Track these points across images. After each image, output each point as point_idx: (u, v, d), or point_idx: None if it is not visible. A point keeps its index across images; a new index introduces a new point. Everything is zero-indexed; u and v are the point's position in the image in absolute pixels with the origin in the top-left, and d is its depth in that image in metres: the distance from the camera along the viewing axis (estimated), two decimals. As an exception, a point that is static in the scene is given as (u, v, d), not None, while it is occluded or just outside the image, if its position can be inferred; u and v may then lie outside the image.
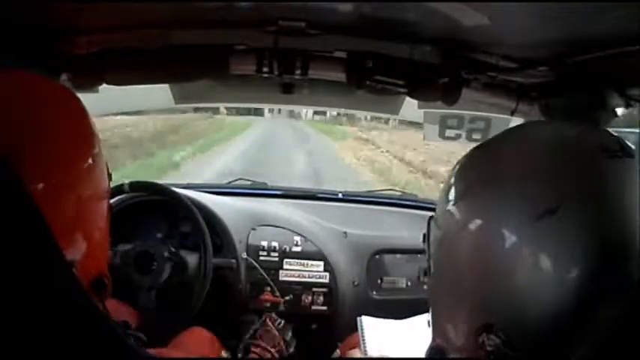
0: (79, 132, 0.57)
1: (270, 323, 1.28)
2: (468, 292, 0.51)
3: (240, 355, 1.16)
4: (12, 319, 0.33)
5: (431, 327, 0.60)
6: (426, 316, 0.61)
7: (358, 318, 1.16)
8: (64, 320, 0.35)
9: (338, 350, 1.17)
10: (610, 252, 0.44)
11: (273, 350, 1.23)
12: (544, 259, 0.45)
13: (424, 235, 0.60)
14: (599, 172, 0.47)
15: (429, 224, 0.59)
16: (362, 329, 1.14)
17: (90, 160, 0.56)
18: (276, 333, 1.27)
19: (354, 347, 1.13)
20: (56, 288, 0.35)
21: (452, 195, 0.54)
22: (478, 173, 0.53)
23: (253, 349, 1.20)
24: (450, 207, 0.53)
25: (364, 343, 1.12)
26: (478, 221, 0.49)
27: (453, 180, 0.55)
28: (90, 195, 0.57)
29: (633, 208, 0.45)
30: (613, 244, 0.44)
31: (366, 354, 1.10)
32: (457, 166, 0.56)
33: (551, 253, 0.45)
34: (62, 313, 0.35)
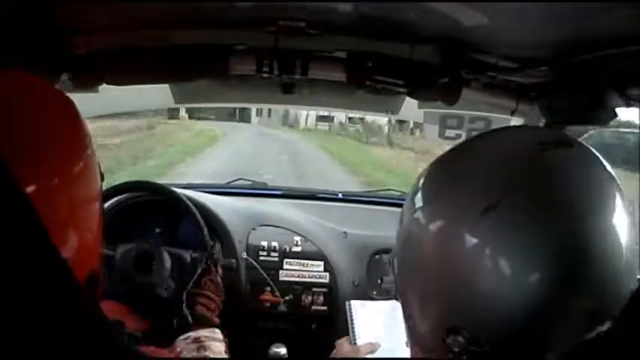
0: (72, 133, 0.57)
1: (213, 269, 1.17)
2: (432, 294, 0.52)
3: (185, 307, 1.06)
4: (4, 316, 0.33)
5: (405, 328, 0.60)
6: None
7: (347, 302, 1.14)
8: (56, 318, 0.35)
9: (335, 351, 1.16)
10: (562, 241, 0.44)
11: (217, 300, 1.13)
12: (495, 255, 0.45)
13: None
14: (535, 165, 0.48)
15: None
16: (351, 315, 1.12)
17: (82, 162, 0.56)
18: (220, 281, 1.17)
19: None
20: (50, 287, 0.35)
21: (415, 198, 0.55)
22: (438, 177, 0.55)
23: (200, 299, 1.10)
24: (414, 210, 0.55)
25: (353, 330, 1.10)
26: (436, 223, 0.51)
27: (418, 184, 0.56)
28: (82, 196, 0.56)
29: (581, 196, 0.46)
30: (563, 233, 0.44)
31: (355, 342, 1.09)
32: (424, 173, 0.57)
33: (500, 248, 0.45)
34: (55, 310, 0.35)
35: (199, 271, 1.15)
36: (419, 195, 0.55)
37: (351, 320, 1.12)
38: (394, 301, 1.18)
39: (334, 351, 1.13)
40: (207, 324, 1.05)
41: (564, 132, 0.53)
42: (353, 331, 1.10)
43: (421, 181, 0.56)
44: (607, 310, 0.43)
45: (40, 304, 0.34)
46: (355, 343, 1.09)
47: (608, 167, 0.49)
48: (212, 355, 0.95)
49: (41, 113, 0.54)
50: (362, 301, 1.16)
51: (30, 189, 0.48)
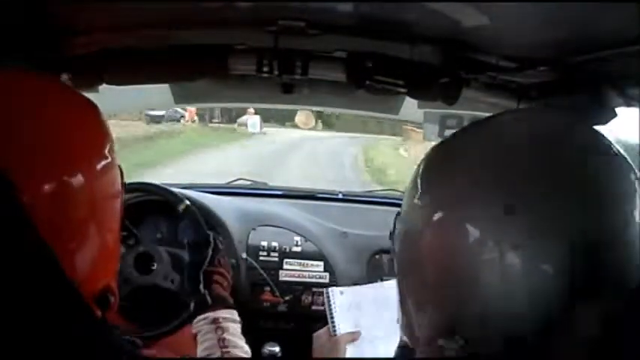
0: (91, 133, 0.57)
1: (220, 245, 1.13)
2: (430, 292, 0.49)
3: (202, 286, 1.02)
4: (8, 336, 0.32)
5: (399, 324, 0.58)
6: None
7: (325, 290, 1.13)
8: (63, 339, 0.34)
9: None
10: (581, 247, 0.41)
11: (229, 277, 1.10)
12: (509, 256, 0.42)
13: (390, 233, 0.57)
14: (567, 167, 0.44)
15: (395, 221, 0.56)
16: (329, 303, 1.09)
17: (104, 162, 0.56)
18: (227, 259, 1.14)
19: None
20: (55, 304, 0.34)
21: (417, 190, 0.51)
22: (442, 168, 0.51)
23: (215, 277, 1.05)
24: (414, 202, 0.50)
25: (332, 319, 1.08)
26: (441, 218, 0.47)
27: (418, 175, 0.52)
28: (102, 196, 0.56)
29: (610, 202, 0.43)
30: (584, 239, 0.42)
31: (334, 332, 1.06)
32: (424, 160, 0.53)
33: (517, 250, 0.42)
34: (61, 331, 0.34)
35: (211, 247, 1.10)
36: (418, 186, 0.51)
37: (330, 309, 1.10)
38: (375, 285, 1.17)
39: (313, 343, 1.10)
40: (225, 304, 1.01)
41: (578, 121, 0.50)
42: (332, 321, 1.08)
43: (421, 171, 0.52)
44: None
45: (43, 323, 0.33)
46: (335, 334, 1.07)
47: (629, 161, 0.47)
48: (229, 337, 0.92)
49: (60, 113, 0.54)
50: (341, 288, 1.14)
51: (49, 189, 0.48)
